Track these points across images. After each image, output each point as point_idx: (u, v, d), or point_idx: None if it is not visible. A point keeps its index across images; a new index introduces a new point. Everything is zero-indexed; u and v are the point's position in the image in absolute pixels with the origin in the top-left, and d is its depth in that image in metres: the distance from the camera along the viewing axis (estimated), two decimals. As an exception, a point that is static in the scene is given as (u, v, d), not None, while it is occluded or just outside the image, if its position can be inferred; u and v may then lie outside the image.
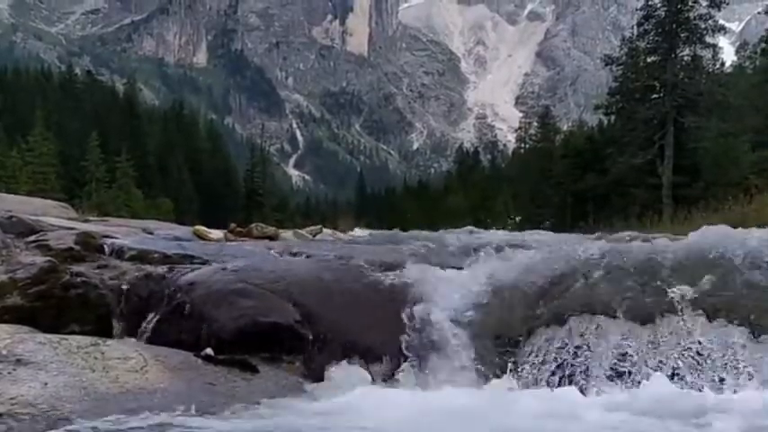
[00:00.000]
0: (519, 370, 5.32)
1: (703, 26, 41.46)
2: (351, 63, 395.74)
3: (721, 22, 44.99)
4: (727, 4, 44.12)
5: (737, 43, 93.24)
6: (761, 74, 39.73)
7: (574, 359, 5.20)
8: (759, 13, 76.41)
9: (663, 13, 41.79)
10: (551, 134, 67.63)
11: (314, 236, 11.33)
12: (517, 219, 58.33)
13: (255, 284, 6.00)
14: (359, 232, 16.18)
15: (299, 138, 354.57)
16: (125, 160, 65.87)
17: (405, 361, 5.50)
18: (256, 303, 5.76)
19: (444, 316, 5.72)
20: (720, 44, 45.79)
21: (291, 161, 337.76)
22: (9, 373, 4.39)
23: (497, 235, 10.77)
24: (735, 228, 6.84)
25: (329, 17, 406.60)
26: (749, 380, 4.81)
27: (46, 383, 4.33)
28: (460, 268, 6.44)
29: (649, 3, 42.41)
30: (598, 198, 47.35)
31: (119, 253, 6.88)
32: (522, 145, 76.79)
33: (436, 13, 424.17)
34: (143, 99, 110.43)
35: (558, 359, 5.25)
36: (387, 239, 11.11)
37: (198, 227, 10.28)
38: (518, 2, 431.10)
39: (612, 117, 50.69)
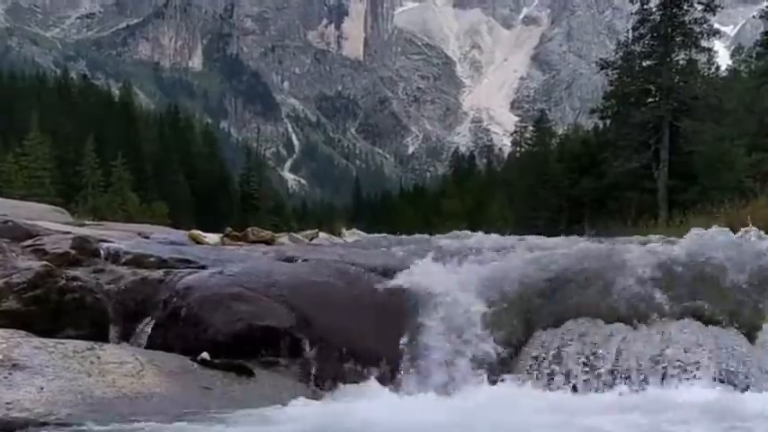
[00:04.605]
0: (518, 372, 5.33)
1: (698, 30, 41.54)
2: (346, 67, 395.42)
3: (716, 25, 45.11)
4: (722, 8, 44.25)
5: (732, 47, 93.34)
6: (756, 77, 39.72)
7: (572, 361, 5.21)
8: (754, 16, 76.58)
9: (658, 18, 41.85)
10: (547, 138, 67.70)
11: (310, 240, 11.35)
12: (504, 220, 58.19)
13: (252, 289, 6.00)
14: (355, 236, 16.21)
15: (295, 142, 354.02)
16: (121, 164, 65.75)
17: (402, 363, 5.50)
18: (252, 308, 5.76)
19: (441, 319, 5.73)
20: (715, 48, 45.89)
21: (287, 165, 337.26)
22: (5, 377, 4.38)
23: (493, 239, 10.78)
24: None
25: (325, 21, 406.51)
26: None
27: (42, 388, 4.32)
28: (456, 272, 6.44)
29: (644, 7, 42.47)
30: (594, 202, 47.39)
31: (115, 257, 6.87)
32: (518, 149, 76.82)
33: (431, 17, 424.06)
34: (138, 103, 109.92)
35: (557, 361, 5.26)
36: (383, 243, 11.13)
37: (193, 231, 10.29)
38: (513, 6, 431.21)
39: (608, 121, 50.72)
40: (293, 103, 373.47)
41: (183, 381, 4.91)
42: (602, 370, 5.11)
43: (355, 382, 5.34)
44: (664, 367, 5.03)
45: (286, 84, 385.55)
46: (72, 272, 6.26)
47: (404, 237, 13.95)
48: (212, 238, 9.83)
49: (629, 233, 13.02)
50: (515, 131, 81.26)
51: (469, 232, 12.77)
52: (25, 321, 5.55)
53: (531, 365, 5.33)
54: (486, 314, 5.73)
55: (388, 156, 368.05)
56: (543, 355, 5.34)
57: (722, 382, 4.87)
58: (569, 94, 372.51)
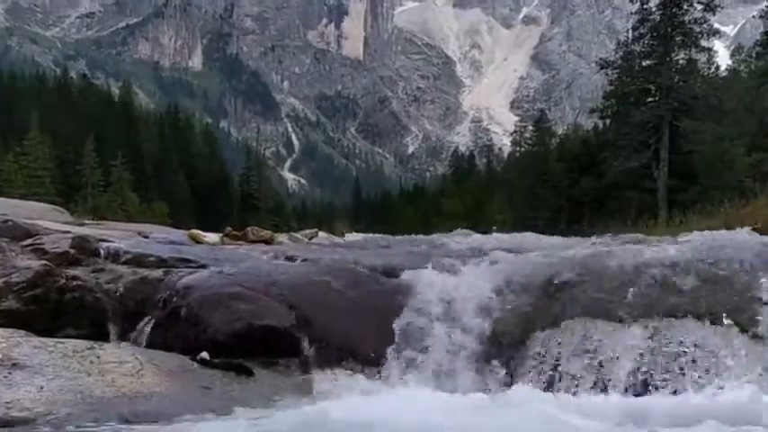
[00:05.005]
0: (517, 372, 5.32)
1: (698, 30, 41.49)
2: (346, 67, 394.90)
3: (716, 25, 45.08)
4: (722, 7, 44.23)
5: (732, 47, 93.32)
6: (756, 77, 39.67)
7: (572, 361, 5.20)
8: (754, 16, 76.58)
9: (658, 17, 41.80)
10: (547, 138, 67.61)
11: (310, 239, 11.32)
12: (502, 219, 58.04)
13: (251, 288, 5.99)
14: (355, 236, 16.19)
15: (295, 141, 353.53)
16: (120, 164, 65.75)
17: (400, 364, 5.49)
18: (252, 307, 5.76)
19: (440, 319, 5.72)
20: (715, 48, 45.86)
21: (287, 165, 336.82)
22: (5, 377, 4.37)
23: (492, 239, 10.76)
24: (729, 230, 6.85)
25: (324, 21, 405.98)
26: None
27: (42, 387, 4.32)
28: (456, 272, 6.43)
29: (644, 6, 42.41)
30: (594, 201, 47.35)
31: (114, 256, 6.87)
32: (518, 149, 76.73)
33: (431, 16, 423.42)
34: (138, 103, 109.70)
35: (557, 361, 5.25)
36: (382, 243, 11.11)
37: (193, 230, 10.27)
38: (513, 5, 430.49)
39: (608, 121, 50.66)
40: (293, 103, 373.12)
41: (182, 380, 4.91)
42: (603, 370, 5.10)
43: (355, 382, 5.34)
44: (664, 368, 5.02)
45: (286, 83, 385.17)
46: (72, 271, 6.26)
47: (405, 237, 13.88)
48: (212, 237, 9.80)
49: (628, 233, 12.99)
50: (515, 131, 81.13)
51: (470, 232, 12.72)
52: (25, 321, 5.54)
53: (530, 366, 5.32)
54: (485, 314, 5.73)
55: (387, 155, 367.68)
56: (543, 355, 5.34)
57: (723, 383, 4.86)
58: (569, 94, 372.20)
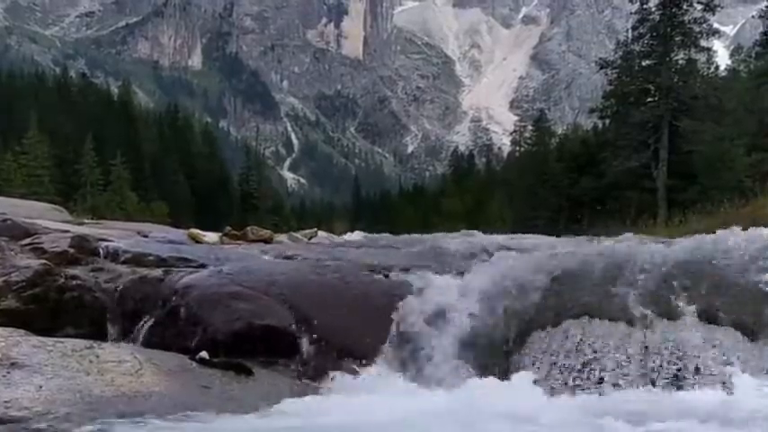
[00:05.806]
0: (517, 371, 5.32)
1: (698, 30, 41.50)
2: (346, 66, 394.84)
3: (716, 25, 45.11)
4: (722, 7, 44.23)
5: (732, 47, 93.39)
6: (755, 77, 39.68)
7: (572, 361, 5.19)
8: (753, 16, 76.61)
9: (657, 17, 41.81)
10: (546, 138, 67.62)
11: (309, 239, 11.31)
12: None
13: (251, 288, 5.99)
14: (354, 235, 16.13)
15: (294, 141, 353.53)
16: (120, 163, 65.75)
17: (400, 363, 5.49)
18: (251, 307, 5.75)
19: (440, 319, 5.72)
20: (715, 48, 45.88)
21: (286, 164, 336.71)
22: (3, 376, 4.37)
23: (492, 238, 10.75)
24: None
25: (324, 20, 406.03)
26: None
27: (41, 386, 4.31)
28: (455, 272, 6.43)
29: (644, 6, 42.42)
30: (593, 201, 47.34)
31: (114, 256, 6.86)
32: (518, 148, 76.75)
33: (431, 16, 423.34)
34: (138, 102, 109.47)
35: (554, 361, 5.24)
36: (382, 243, 11.11)
37: (192, 230, 10.27)
38: (513, 5, 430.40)
39: (607, 120, 50.70)
40: (292, 102, 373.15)
41: (181, 380, 4.90)
42: (602, 370, 5.10)
43: (354, 380, 5.33)
44: (663, 368, 5.02)
45: (285, 83, 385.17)
46: (71, 270, 6.25)
47: (405, 236, 13.85)
48: (211, 237, 9.80)
49: (628, 233, 13.00)
50: (515, 131, 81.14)
51: (470, 231, 12.72)
52: (24, 320, 5.54)
53: (531, 366, 5.32)
54: (485, 314, 5.73)
55: (387, 155, 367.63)
56: (542, 354, 5.33)
57: (722, 383, 4.85)
58: (569, 94, 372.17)
